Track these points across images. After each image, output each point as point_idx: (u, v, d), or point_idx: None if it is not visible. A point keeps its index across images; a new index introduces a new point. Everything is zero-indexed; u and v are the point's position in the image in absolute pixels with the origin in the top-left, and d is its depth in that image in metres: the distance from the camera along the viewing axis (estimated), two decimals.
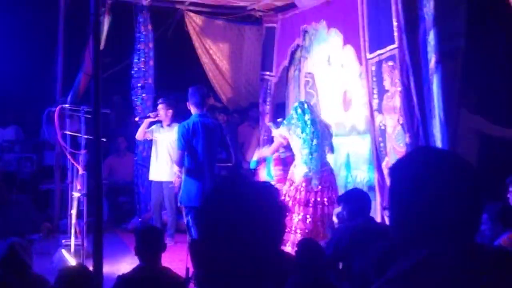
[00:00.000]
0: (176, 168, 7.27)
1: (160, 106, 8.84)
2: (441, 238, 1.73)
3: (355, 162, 7.97)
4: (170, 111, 8.84)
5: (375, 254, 3.92)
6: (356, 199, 5.45)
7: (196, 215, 1.82)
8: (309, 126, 7.15)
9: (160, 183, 8.91)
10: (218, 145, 7.27)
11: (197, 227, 1.89)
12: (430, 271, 1.69)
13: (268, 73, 10.09)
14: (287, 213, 5.52)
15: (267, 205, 1.77)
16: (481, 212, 1.84)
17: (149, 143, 9.47)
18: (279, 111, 9.96)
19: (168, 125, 8.83)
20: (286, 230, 6.54)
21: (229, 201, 1.77)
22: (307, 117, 7.20)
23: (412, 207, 1.78)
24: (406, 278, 1.72)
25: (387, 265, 1.83)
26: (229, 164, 7.82)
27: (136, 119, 9.60)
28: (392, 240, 1.89)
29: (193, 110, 7.21)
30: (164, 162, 8.82)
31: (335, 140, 7.69)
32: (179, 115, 8.78)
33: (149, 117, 8.89)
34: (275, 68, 9.89)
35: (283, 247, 6.07)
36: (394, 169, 1.93)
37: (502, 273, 1.72)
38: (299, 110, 7.26)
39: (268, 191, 1.84)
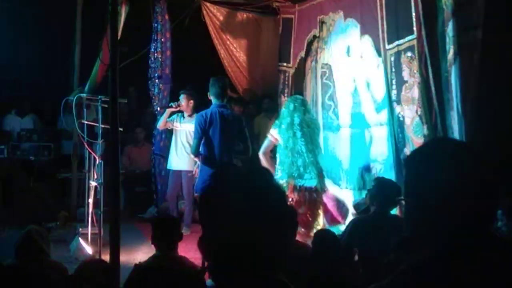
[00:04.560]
0: (192, 157, 7.35)
1: (182, 97, 8.90)
2: (456, 229, 1.73)
3: (372, 153, 7.93)
4: (192, 101, 8.90)
5: (390, 246, 3.92)
6: (386, 188, 5.35)
7: (199, 203, 1.79)
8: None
9: (179, 172, 8.97)
10: (236, 137, 7.30)
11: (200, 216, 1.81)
12: (444, 263, 1.69)
13: (285, 64, 10.06)
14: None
15: (275, 197, 1.75)
16: (496, 204, 1.83)
17: (166, 134, 9.52)
18: None
19: (190, 116, 8.89)
20: None
21: (233, 190, 1.74)
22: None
23: (427, 198, 1.77)
24: (420, 270, 1.71)
25: (401, 257, 1.82)
26: (246, 156, 7.85)
27: (158, 109, 9.65)
28: (405, 232, 1.88)
29: (213, 100, 7.26)
30: (183, 152, 8.88)
31: (353, 131, 7.74)
32: (198, 106, 8.83)
33: (171, 107, 8.96)
34: (293, 59, 9.86)
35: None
36: (410, 160, 1.93)
37: None
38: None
39: (278, 189, 1.83)
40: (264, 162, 7.26)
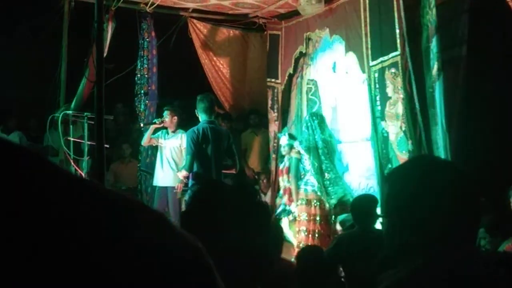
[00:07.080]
0: (184, 173, 7.30)
1: (166, 113, 8.88)
2: (436, 246, 1.73)
3: (358, 169, 7.95)
4: (176, 118, 8.87)
5: (375, 263, 3.93)
6: (361, 205, 5.43)
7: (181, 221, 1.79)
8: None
9: (164, 189, 8.92)
10: (225, 152, 7.36)
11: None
12: (425, 280, 1.69)
13: (274, 80, 10.09)
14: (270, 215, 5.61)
15: (247, 209, 1.73)
16: (478, 221, 1.84)
17: (153, 150, 9.49)
18: (284, 118, 10.01)
19: (173, 132, 8.86)
20: None
21: (211, 207, 1.73)
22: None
23: (408, 214, 1.78)
24: (402, 287, 1.72)
25: (381, 275, 1.83)
26: (234, 172, 7.87)
27: (141, 125, 9.62)
28: (386, 249, 1.89)
29: (201, 117, 7.29)
30: (169, 168, 8.84)
31: (339, 146, 7.92)
32: (184, 122, 8.83)
33: (154, 123, 8.92)
34: (281, 75, 9.89)
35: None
36: (390, 178, 1.94)
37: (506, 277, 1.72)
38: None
39: (248, 192, 1.82)
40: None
